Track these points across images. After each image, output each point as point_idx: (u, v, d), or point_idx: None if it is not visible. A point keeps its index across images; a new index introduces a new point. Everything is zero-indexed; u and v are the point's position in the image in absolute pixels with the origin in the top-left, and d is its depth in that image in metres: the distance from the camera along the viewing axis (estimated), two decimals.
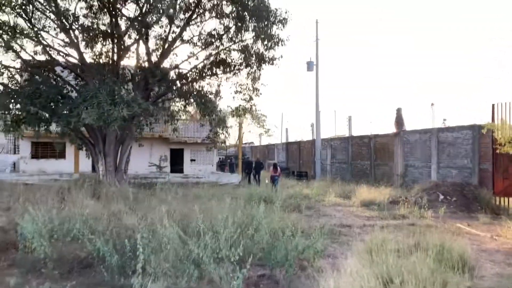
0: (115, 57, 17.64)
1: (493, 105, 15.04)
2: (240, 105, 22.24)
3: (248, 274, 6.02)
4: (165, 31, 18.03)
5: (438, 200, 15.17)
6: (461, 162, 16.95)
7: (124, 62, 18.81)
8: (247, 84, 21.53)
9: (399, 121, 20.69)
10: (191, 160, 28.80)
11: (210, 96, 20.05)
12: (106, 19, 17.46)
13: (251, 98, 21.74)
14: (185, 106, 19.56)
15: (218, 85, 20.93)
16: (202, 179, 22.41)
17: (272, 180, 20.20)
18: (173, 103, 22.08)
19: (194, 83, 19.70)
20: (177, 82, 18.62)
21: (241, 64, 19.88)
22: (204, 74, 19.06)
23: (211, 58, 19.23)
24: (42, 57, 17.23)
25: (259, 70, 20.72)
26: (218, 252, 5.02)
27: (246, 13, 17.17)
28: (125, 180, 17.89)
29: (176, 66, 18.29)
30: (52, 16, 16.43)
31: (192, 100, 18.75)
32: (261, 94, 21.66)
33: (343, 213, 13.23)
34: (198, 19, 18.46)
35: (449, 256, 6.42)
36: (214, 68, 19.76)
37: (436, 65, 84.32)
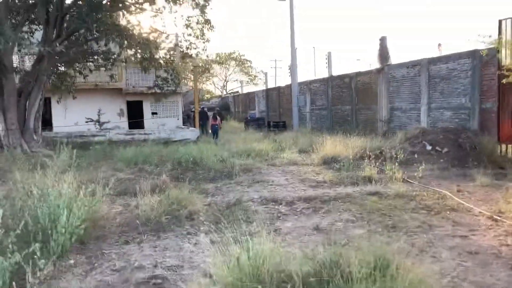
0: None
1: (500, 22, 11.00)
2: (190, 43, 18.25)
3: None
4: None
5: (425, 152, 11.50)
6: (457, 101, 13.09)
7: None
8: (196, 16, 17.52)
9: (383, 54, 16.60)
10: (152, 113, 25.01)
11: (142, 33, 16.07)
12: None
13: (202, 34, 17.72)
14: (106, 46, 15.34)
15: (156, 16, 16.88)
16: (151, 136, 18.79)
17: (213, 131, 18.85)
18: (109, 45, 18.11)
19: (120, 15, 15.63)
20: (93, 13, 14.52)
21: None
22: (127, 2, 14.89)
23: None
24: None
25: None
26: None
27: None
28: (36, 140, 14.35)
29: None
30: None
31: (115, 38, 14.76)
32: (213, 28, 17.64)
33: (290, 177, 9.64)
34: None
35: None
36: None
37: None
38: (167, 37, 19.05)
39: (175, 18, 17.17)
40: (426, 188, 8.08)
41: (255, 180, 9.19)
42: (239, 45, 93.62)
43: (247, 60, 47.51)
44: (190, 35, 17.30)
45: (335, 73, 23.27)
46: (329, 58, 21.24)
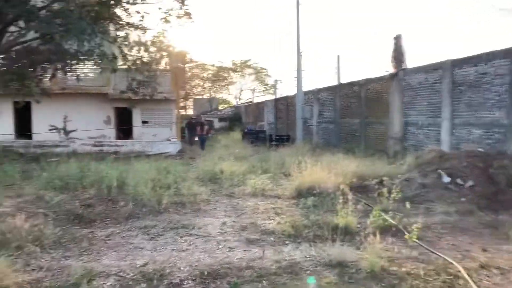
0: None
1: None
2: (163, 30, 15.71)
3: None
4: None
5: (440, 186, 8.25)
6: (489, 116, 9.79)
7: None
8: (176, 10, 15.05)
9: (397, 56, 13.36)
10: (143, 122, 22.41)
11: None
12: None
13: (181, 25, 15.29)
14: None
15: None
16: (124, 148, 16.22)
17: (200, 141, 18.37)
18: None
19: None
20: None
21: None
22: None
23: None
24: None
25: None
26: None
27: None
28: None
29: None
30: None
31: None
32: (192, 21, 15.07)
33: (233, 220, 6.63)
34: None
35: None
36: None
37: None
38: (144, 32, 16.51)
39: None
40: (429, 253, 4.93)
41: (177, 224, 6.24)
42: (252, 51, 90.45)
43: (263, 68, 44.80)
44: (166, 30, 14.82)
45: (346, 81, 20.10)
46: (338, 62, 18.32)
